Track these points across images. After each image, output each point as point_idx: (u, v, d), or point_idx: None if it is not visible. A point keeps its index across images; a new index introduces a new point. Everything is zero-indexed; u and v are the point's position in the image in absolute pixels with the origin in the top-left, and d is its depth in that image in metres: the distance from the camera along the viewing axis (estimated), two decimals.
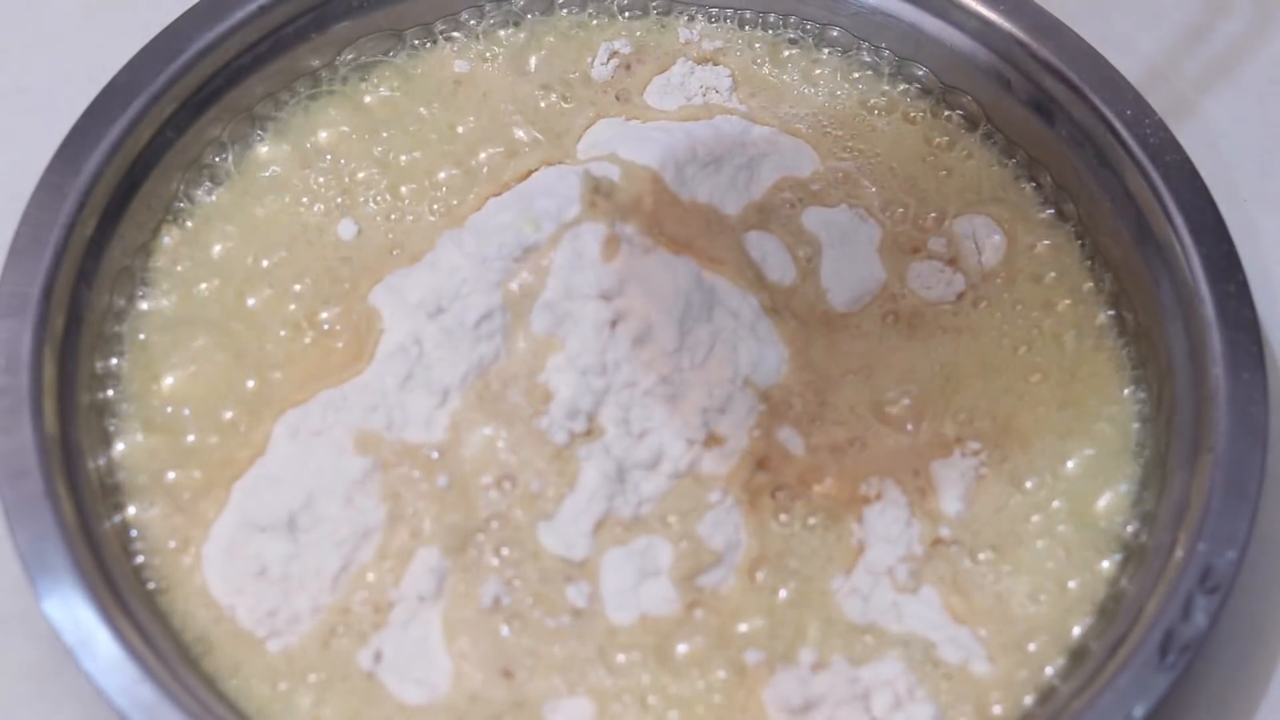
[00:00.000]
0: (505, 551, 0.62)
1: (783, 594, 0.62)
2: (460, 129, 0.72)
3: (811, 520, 0.64)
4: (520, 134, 0.72)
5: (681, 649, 0.61)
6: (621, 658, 0.60)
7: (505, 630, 0.60)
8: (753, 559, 0.62)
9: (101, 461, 0.63)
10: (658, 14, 0.76)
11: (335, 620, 0.61)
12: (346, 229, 0.69)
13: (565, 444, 0.62)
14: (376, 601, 0.61)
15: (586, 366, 0.62)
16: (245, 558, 0.61)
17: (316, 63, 0.73)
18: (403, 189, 0.70)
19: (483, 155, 0.72)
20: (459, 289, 0.64)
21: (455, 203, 0.70)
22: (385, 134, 0.72)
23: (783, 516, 0.63)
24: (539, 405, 0.63)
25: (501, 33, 0.75)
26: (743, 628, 0.61)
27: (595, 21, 0.76)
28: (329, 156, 0.71)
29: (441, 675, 0.60)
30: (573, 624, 0.61)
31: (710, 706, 0.60)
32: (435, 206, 0.70)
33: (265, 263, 0.68)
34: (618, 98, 0.74)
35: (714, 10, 0.76)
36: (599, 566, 0.61)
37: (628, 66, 0.74)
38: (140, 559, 0.62)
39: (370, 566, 0.61)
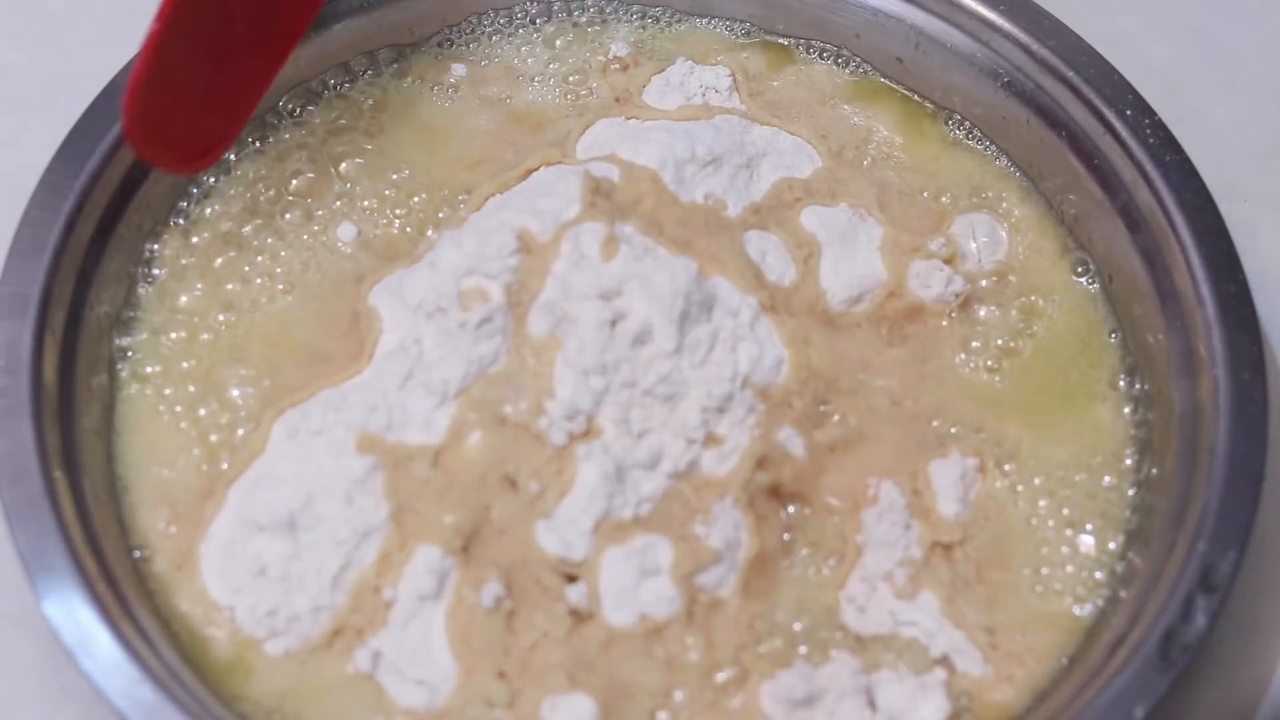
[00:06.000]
0: (505, 552, 0.61)
1: (783, 594, 0.62)
2: (459, 131, 0.72)
3: (811, 521, 0.64)
4: (519, 135, 0.72)
5: (682, 648, 0.61)
6: (622, 657, 0.60)
7: (506, 630, 0.60)
8: (752, 558, 0.62)
9: (101, 461, 0.63)
10: (656, 21, 0.76)
11: (335, 620, 0.61)
12: (346, 231, 0.69)
13: (564, 444, 0.62)
14: (376, 602, 0.61)
15: (586, 367, 0.62)
16: (245, 558, 0.61)
17: (315, 66, 0.73)
18: (402, 190, 0.70)
19: (482, 157, 0.72)
20: (459, 289, 0.64)
21: (455, 203, 0.70)
22: (384, 136, 0.72)
23: (782, 516, 0.63)
24: (538, 405, 0.63)
25: (500, 36, 0.75)
26: (744, 627, 0.61)
27: (594, 25, 0.76)
28: (328, 158, 0.71)
29: (442, 675, 0.60)
30: (573, 624, 0.61)
31: (711, 704, 0.60)
32: (434, 207, 0.70)
33: (265, 264, 0.68)
34: (617, 99, 0.74)
35: (713, 18, 0.76)
36: (599, 566, 0.61)
37: (626, 68, 0.74)
38: (140, 559, 0.62)
39: (370, 567, 0.61)
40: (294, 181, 0.70)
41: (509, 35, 0.75)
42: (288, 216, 0.70)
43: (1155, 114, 0.68)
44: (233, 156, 0.71)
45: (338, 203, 0.70)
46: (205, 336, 0.67)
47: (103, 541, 0.60)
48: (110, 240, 0.66)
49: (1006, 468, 0.65)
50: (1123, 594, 0.62)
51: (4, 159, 0.73)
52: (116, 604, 0.58)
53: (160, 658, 0.58)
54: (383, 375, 0.64)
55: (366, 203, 0.70)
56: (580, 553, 0.61)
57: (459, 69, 0.74)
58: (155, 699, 0.56)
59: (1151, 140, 0.67)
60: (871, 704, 0.60)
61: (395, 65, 0.74)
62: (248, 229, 0.69)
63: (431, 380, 0.63)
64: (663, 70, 0.74)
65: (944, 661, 0.61)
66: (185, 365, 0.66)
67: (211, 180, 0.70)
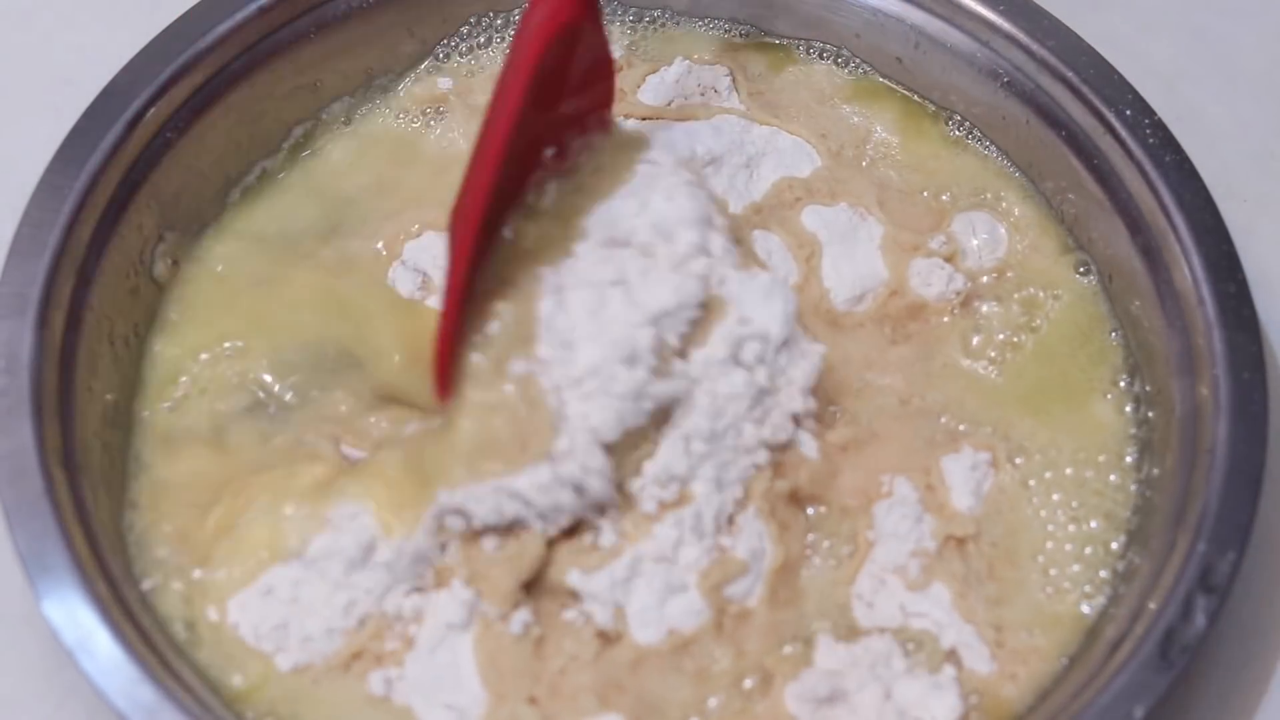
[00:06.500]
0: (536, 580, 0.60)
1: (805, 597, 0.62)
2: (450, 142, 0.72)
3: (828, 521, 0.63)
4: None
5: (711, 660, 0.60)
6: (652, 673, 0.60)
7: (534, 656, 0.60)
8: (778, 567, 0.61)
9: (101, 462, 0.63)
10: (653, 22, 0.76)
11: (353, 645, 0.60)
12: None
13: (653, 513, 0.60)
14: (404, 634, 0.60)
15: (695, 433, 0.60)
16: (260, 586, 0.61)
17: (311, 71, 0.72)
18: (403, 197, 0.70)
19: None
20: (650, 339, 0.60)
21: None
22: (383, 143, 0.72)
23: (802, 520, 0.63)
24: (638, 464, 0.61)
25: (486, 48, 0.75)
26: (770, 633, 0.61)
27: None
28: (327, 173, 0.71)
29: (471, 701, 0.59)
30: (601, 645, 0.60)
31: (741, 712, 0.60)
32: (441, 224, 0.69)
33: (272, 277, 0.68)
34: None
35: (712, 19, 0.76)
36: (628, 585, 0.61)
37: (620, 69, 0.74)
38: (140, 560, 0.62)
39: (406, 604, 0.60)
40: (289, 183, 0.70)
41: (500, 44, 0.75)
42: (284, 222, 0.69)
43: (1155, 114, 0.68)
44: (227, 159, 0.71)
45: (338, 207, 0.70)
46: (204, 339, 0.66)
47: (103, 541, 0.60)
48: (110, 240, 0.66)
49: (1017, 461, 0.65)
50: (1123, 593, 0.62)
51: (4, 159, 0.73)
52: (116, 604, 0.58)
53: (160, 658, 0.58)
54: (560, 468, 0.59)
55: (363, 209, 0.70)
56: (614, 606, 0.60)
57: (443, 83, 0.73)
58: (155, 699, 0.55)
59: (1151, 140, 0.67)
60: (889, 697, 0.60)
61: (379, 82, 0.74)
62: (251, 237, 0.69)
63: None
64: (657, 70, 0.74)
65: (952, 656, 0.61)
66: (190, 372, 0.66)
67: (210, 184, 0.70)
